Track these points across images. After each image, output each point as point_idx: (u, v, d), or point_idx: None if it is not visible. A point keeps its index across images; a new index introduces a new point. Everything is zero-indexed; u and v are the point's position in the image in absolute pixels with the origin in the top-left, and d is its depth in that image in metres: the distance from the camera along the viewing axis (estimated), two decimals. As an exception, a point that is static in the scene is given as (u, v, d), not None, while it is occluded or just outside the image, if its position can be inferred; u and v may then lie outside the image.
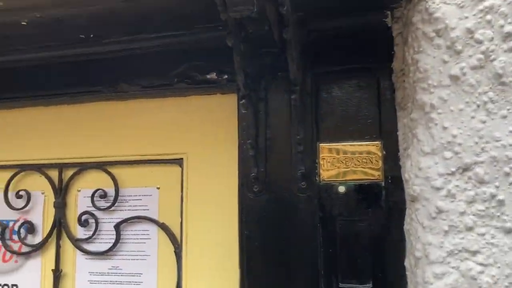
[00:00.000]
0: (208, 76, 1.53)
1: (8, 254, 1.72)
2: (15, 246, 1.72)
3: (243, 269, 1.39)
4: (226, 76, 1.51)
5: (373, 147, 1.36)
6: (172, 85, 1.55)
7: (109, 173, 1.64)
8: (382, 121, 1.36)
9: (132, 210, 1.63)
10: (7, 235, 1.73)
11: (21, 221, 1.72)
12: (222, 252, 1.50)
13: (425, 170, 1.15)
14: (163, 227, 1.58)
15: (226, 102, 1.55)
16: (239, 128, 1.46)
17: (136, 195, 1.63)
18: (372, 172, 1.35)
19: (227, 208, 1.50)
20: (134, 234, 1.61)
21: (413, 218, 1.19)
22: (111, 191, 1.64)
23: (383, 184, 1.33)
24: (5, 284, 1.72)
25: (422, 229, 1.14)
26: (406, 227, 1.25)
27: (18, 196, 1.72)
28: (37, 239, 1.70)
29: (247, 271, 1.38)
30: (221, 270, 1.49)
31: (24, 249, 1.70)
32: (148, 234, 1.60)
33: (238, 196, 1.44)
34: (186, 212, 1.55)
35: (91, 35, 1.54)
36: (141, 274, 1.58)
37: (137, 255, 1.59)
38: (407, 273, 1.24)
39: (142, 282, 1.58)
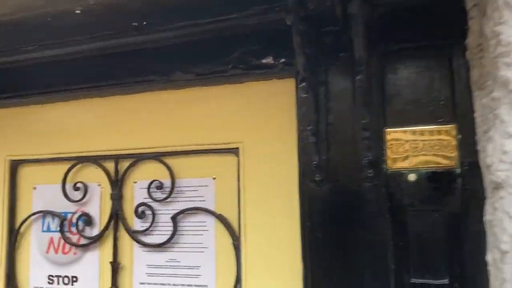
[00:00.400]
0: (264, 61, 1.46)
1: (68, 246, 1.73)
2: (74, 238, 1.72)
3: (306, 262, 1.32)
4: (283, 60, 1.43)
5: (447, 131, 1.25)
6: (227, 71, 1.50)
7: (165, 164, 1.61)
8: (456, 102, 1.25)
9: (189, 201, 1.59)
10: (65, 227, 1.73)
11: (78, 213, 1.72)
12: (283, 244, 1.43)
13: (510, 154, 1.03)
14: (220, 218, 1.53)
15: (283, 87, 1.47)
16: (298, 114, 1.38)
17: (192, 186, 1.59)
18: (446, 158, 1.24)
19: (287, 199, 1.43)
20: (191, 226, 1.57)
21: (496, 207, 1.07)
22: (167, 182, 1.61)
23: (458, 170, 1.22)
24: (65, 276, 1.73)
25: (508, 219, 1.02)
26: (487, 217, 1.14)
27: (76, 188, 1.72)
28: (95, 231, 1.69)
29: (310, 264, 1.31)
30: (282, 262, 1.42)
31: (82, 241, 1.70)
32: (205, 226, 1.55)
33: (298, 185, 1.37)
34: (243, 203, 1.49)
35: (144, 23, 1.50)
36: (199, 266, 1.54)
37: (195, 247, 1.55)
38: (489, 268, 1.12)
39: (200, 275, 1.53)
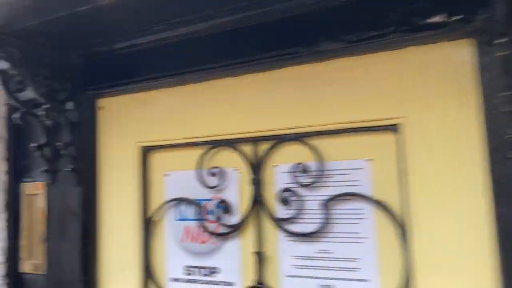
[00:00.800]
0: (432, 20, 1.24)
1: (205, 235, 1.63)
2: (211, 227, 1.62)
3: (504, 255, 1.10)
4: (458, 17, 1.21)
5: None
6: (385, 36, 1.29)
7: (309, 145, 1.45)
8: None
9: (339, 186, 1.42)
10: (202, 215, 1.63)
11: (215, 200, 1.61)
12: (463, 235, 1.21)
13: None
14: (380, 205, 1.34)
15: (456, 50, 1.25)
16: (484, 79, 1.16)
17: (343, 169, 1.41)
18: None
19: (467, 180, 1.22)
20: (344, 214, 1.40)
21: None
22: (312, 166, 1.45)
23: None
24: (203, 267, 1.63)
25: None
26: None
27: (211, 174, 1.62)
28: (234, 219, 1.58)
29: (507, 258, 1.09)
30: (463, 257, 1.21)
31: (222, 229, 1.59)
32: (361, 214, 1.38)
33: (489, 164, 1.15)
34: (409, 187, 1.29)
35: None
36: (358, 259, 1.36)
37: (351, 238, 1.38)
38: None
39: (359, 268, 1.36)
